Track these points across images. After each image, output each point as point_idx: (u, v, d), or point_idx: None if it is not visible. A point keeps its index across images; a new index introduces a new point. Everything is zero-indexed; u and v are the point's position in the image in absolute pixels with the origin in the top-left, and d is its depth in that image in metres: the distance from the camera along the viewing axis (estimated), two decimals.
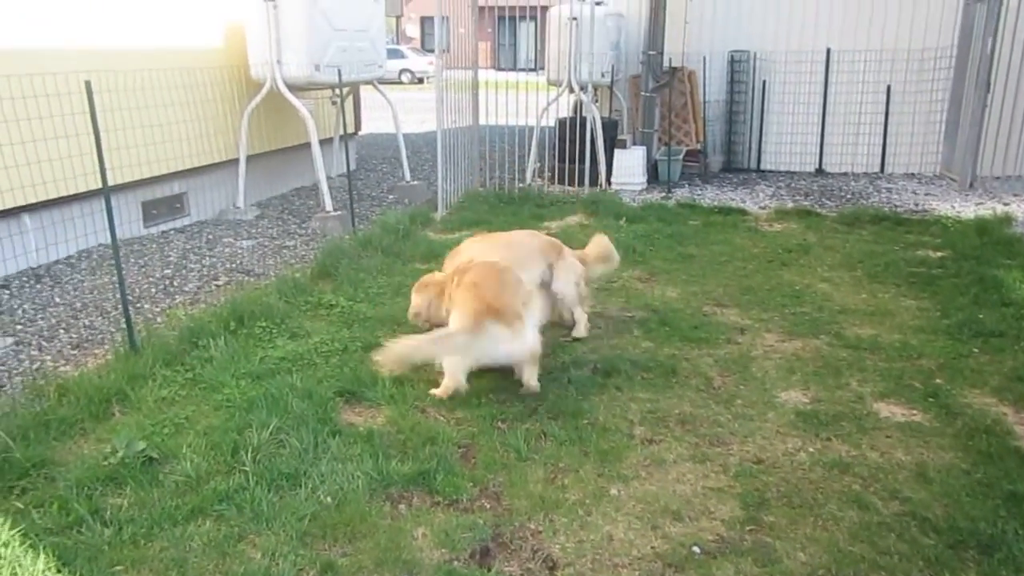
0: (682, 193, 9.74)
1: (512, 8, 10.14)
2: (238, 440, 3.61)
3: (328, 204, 8.21)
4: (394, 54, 32.36)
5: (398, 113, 10.08)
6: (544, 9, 10.46)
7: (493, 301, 4.01)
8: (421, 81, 34.90)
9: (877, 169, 11.09)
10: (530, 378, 4.18)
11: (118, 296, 5.17)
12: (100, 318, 5.44)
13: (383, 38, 9.38)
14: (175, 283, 6.24)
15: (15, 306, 5.62)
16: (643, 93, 10.37)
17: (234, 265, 6.73)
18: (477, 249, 4.80)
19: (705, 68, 10.99)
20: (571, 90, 9.55)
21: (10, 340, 5.04)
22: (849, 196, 9.58)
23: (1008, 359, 4.62)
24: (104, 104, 5.67)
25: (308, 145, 8.46)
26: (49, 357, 4.80)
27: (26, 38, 6.17)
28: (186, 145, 7.86)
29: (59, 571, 2.79)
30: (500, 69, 21.57)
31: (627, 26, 10.81)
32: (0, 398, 4.15)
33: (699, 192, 9.87)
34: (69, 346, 4.97)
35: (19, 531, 2.95)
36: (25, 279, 6.17)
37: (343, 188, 9.08)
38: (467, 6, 9.43)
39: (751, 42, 11.05)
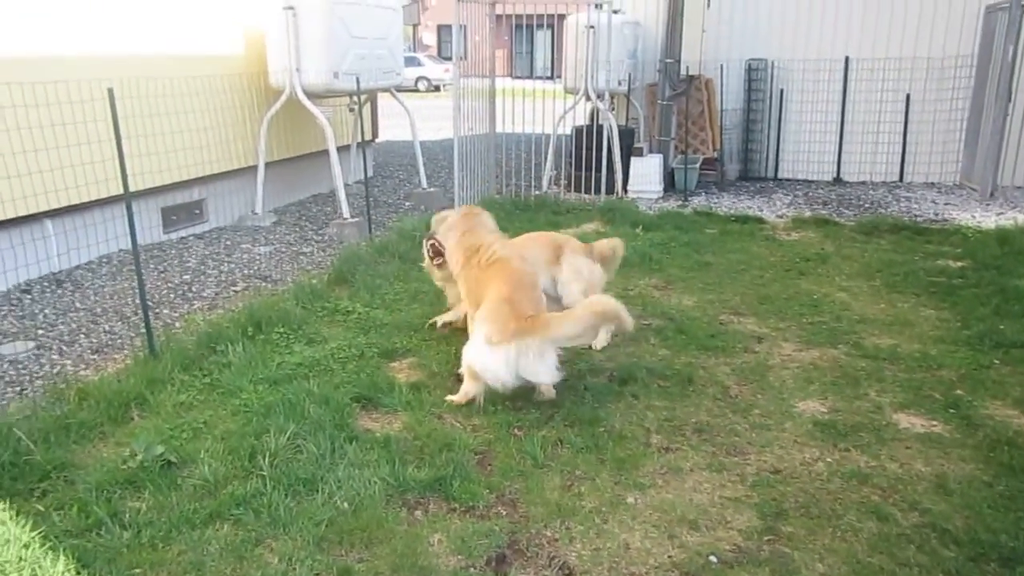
0: (699, 201, 9.72)
1: (529, 16, 10.18)
2: (255, 445, 3.63)
3: (345, 211, 8.25)
4: (411, 62, 32.54)
5: (415, 120, 10.12)
6: (561, 17, 10.49)
7: (524, 316, 3.91)
8: (438, 89, 35.06)
9: (896, 178, 11.02)
10: (548, 388, 4.18)
11: (138, 301, 5.22)
12: (120, 323, 5.48)
13: (401, 46, 9.43)
14: (194, 288, 6.28)
15: (37, 311, 5.68)
16: (660, 101, 10.36)
17: (252, 271, 6.77)
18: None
19: (722, 76, 10.97)
20: (588, 98, 9.56)
21: (31, 344, 5.09)
22: (868, 205, 9.52)
23: None
24: (125, 111, 5.73)
25: (326, 152, 8.50)
26: (69, 361, 4.85)
27: (50, 46, 6.25)
28: (205, 152, 7.93)
29: (78, 573, 2.81)
30: (516, 77, 21.64)
31: (644, 34, 10.82)
32: (21, 401, 4.19)
33: (716, 200, 9.85)
34: (89, 350, 5.02)
35: (39, 533, 2.98)
36: (47, 284, 6.23)
37: (360, 195, 9.13)
38: (484, 14, 9.47)
39: (769, 50, 11.03)
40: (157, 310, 5.72)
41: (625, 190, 9.94)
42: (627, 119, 11.12)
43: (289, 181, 9.57)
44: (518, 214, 8.75)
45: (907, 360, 4.75)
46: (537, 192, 9.80)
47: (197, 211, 8.17)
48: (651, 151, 10.37)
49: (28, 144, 5.97)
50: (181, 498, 3.27)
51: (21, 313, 5.63)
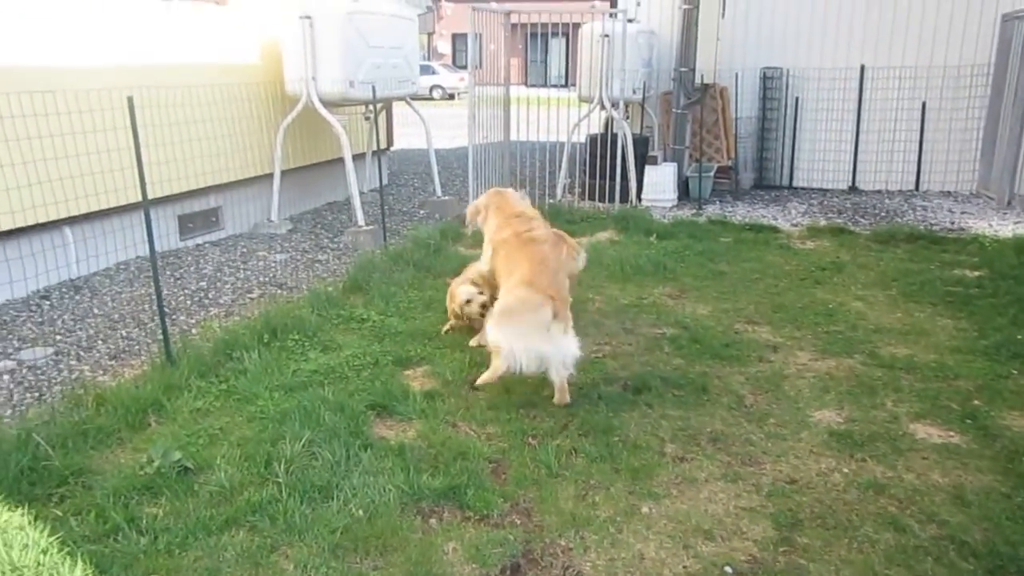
0: (713, 210, 9.70)
1: (544, 25, 10.21)
2: (271, 452, 3.65)
3: (360, 218, 8.29)
4: (425, 70, 32.72)
5: (430, 129, 10.16)
6: (576, 26, 10.51)
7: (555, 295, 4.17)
8: (452, 97, 35.18)
9: (912, 187, 10.96)
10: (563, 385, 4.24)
11: (155, 308, 5.27)
12: (137, 329, 5.53)
13: (417, 55, 9.48)
14: (210, 295, 6.33)
15: (55, 317, 5.74)
16: (674, 110, 10.36)
17: (267, 278, 6.81)
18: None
19: (737, 85, 10.96)
20: (602, 107, 9.57)
21: (50, 350, 5.14)
22: (883, 214, 9.48)
23: None
24: (144, 119, 5.79)
25: (341, 160, 8.55)
26: (87, 367, 4.89)
27: (70, 56, 6.33)
28: (222, 159, 7.99)
29: None
30: (531, 85, 21.69)
31: (659, 43, 10.83)
32: (40, 407, 4.23)
33: (730, 209, 9.82)
34: (107, 356, 5.06)
35: (57, 538, 3.01)
36: (65, 290, 6.30)
37: (375, 203, 9.18)
38: (499, 23, 9.51)
39: (784, 59, 11.01)
40: (174, 317, 5.77)
41: (639, 198, 9.94)
42: (641, 127, 11.12)
43: (304, 189, 9.63)
44: None
45: (924, 370, 4.72)
46: (551, 200, 9.81)
47: (213, 218, 8.24)
48: (665, 159, 10.37)
49: (49, 152, 6.05)
50: (197, 504, 3.29)
51: (40, 319, 5.68)
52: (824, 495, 3.43)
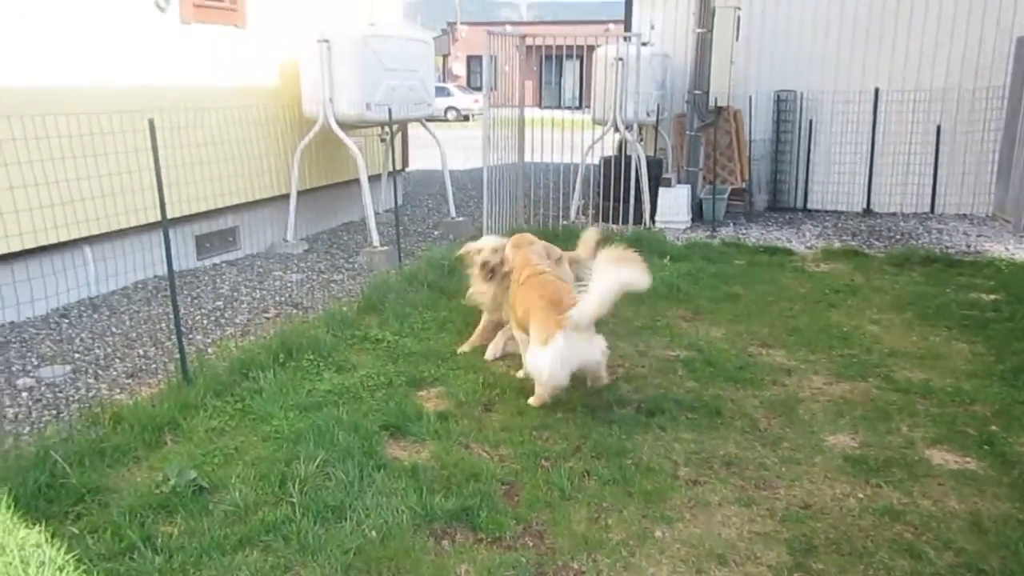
0: (727, 232, 9.70)
1: (559, 47, 10.30)
2: (286, 471, 3.67)
3: (375, 239, 8.35)
4: (440, 92, 32.94)
5: (445, 150, 10.24)
6: (590, 49, 10.60)
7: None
8: (467, 119, 35.42)
9: (927, 209, 10.93)
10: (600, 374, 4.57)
11: (171, 327, 5.32)
12: (154, 348, 5.58)
13: (432, 77, 9.57)
14: (226, 315, 6.38)
15: (73, 334, 5.80)
16: (688, 132, 10.40)
17: (283, 298, 6.86)
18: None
19: (751, 107, 10.99)
20: (616, 129, 9.62)
21: (68, 368, 5.19)
22: (898, 237, 9.45)
23: None
24: (164, 140, 5.87)
25: (356, 181, 8.63)
26: (104, 385, 4.94)
27: (92, 77, 6.45)
28: (239, 180, 8.08)
29: None
30: (545, 107, 21.81)
31: (673, 66, 10.89)
32: (58, 424, 4.27)
33: (744, 231, 9.82)
34: (124, 375, 5.11)
35: (74, 556, 3.03)
36: (83, 308, 6.37)
37: (390, 223, 9.25)
38: (514, 46, 9.60)
39: (798, 82, 11.05)
40: (190, 336, 5.82)
41: (653, 220, 9.96)
42: (655, 149, 11.16)
43: (320, 209, 9.71)
44: None
45: (939, 394, 4.70)
46: (565, 222, 9.85)
47: (230, 238, 8.32)
48: (679, 181, 10.40)
49: (72, 173, 6.14)
50: (212, 523, 3.31)
51: (59, 337, 5.75)
52: (839, 520, 3.40)
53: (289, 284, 7.34)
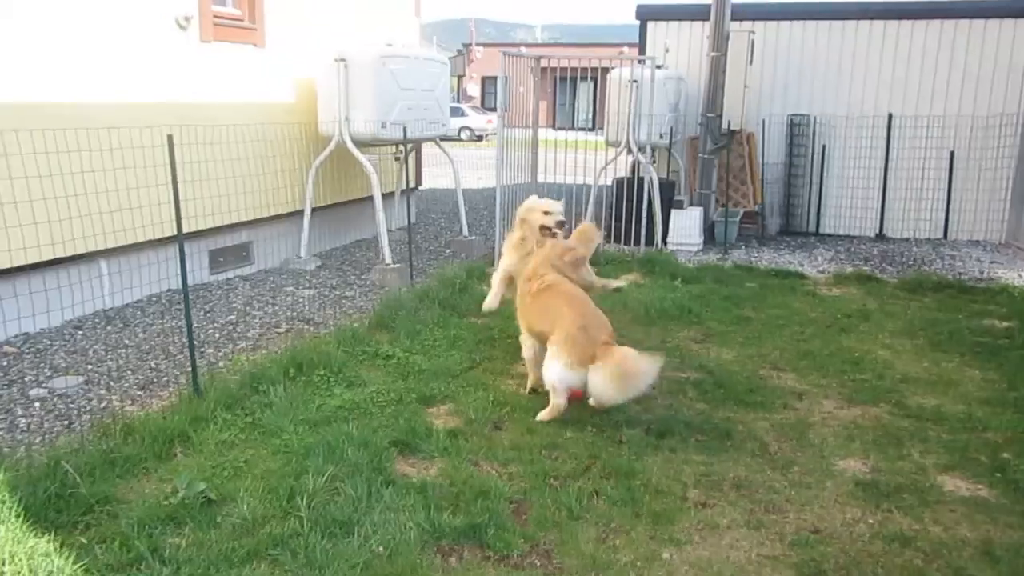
0: (739, 255, 9.70)
1: (573, 69, 10.37)
2: (294, 486, 3.67)
3: (388, 256, 8.39)
4: (454, 112, 33.15)
5: (458, 169, 10.30)
6: (604, 71, 10.67)
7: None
8: (480, 139, 35.60)
9: (940, 235, 10.90)
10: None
11: (184, 340, 5.35)
12: (166, 361, 5.61)
13: (447, 98, 9.65)
14: (238, 329, 6.42)
15: (87, 346, 5.85)
16: (701, 155, 10.43)
17: (295, 313, 6.89)
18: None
19: (764, 131, 11.03)
20: (629, 150, 9.66)
21: (81, 379, 5.23)
22: (911, 262, 9.42)
23: None
24: (181, 156, 5.93)
25: (370, 199, 8.69)
26: (116, 397, 4.97)
27: (112, 93, 6.54)
28: (255, 196, 8.14)
29: None
30: (558, 128, 21.94)
31: (686, 89, 10.95)
32: (69, 435, 4.30)
33: (756, 254, 9.82)
34: (136, 387, 5.14)
35: (82, 566, 3.05)
36: (98, 320, 6.42)
37: (403, 241, 9.29)
38: (529, 67, 9.68)
39: (811, 106, 11.08)
40: (202, 349, 5.85)
41: (665, 242, 9.97)
42: (668, 172, 11.20)
43: (333, 226, 9.78)
44: None
45: (951, 421, 4.67)
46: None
47: (244, 253, 8.38)
48: (691, 204, 10.41)
49: (91, 187, 6.20)
50: (220, 536, 3.31)
51: (72, 348, 5.79)
52: (849, 546, 3.38)
53: (301, 300, 7.38)
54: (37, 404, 4.80)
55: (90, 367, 5.46)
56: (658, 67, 9.68)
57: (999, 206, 10.63)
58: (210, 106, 7.52)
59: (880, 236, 11.05)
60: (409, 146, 9.32)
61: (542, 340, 4.71)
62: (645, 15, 11.74)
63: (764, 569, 3.21)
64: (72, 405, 4.81)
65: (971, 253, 9.95)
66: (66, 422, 4.56)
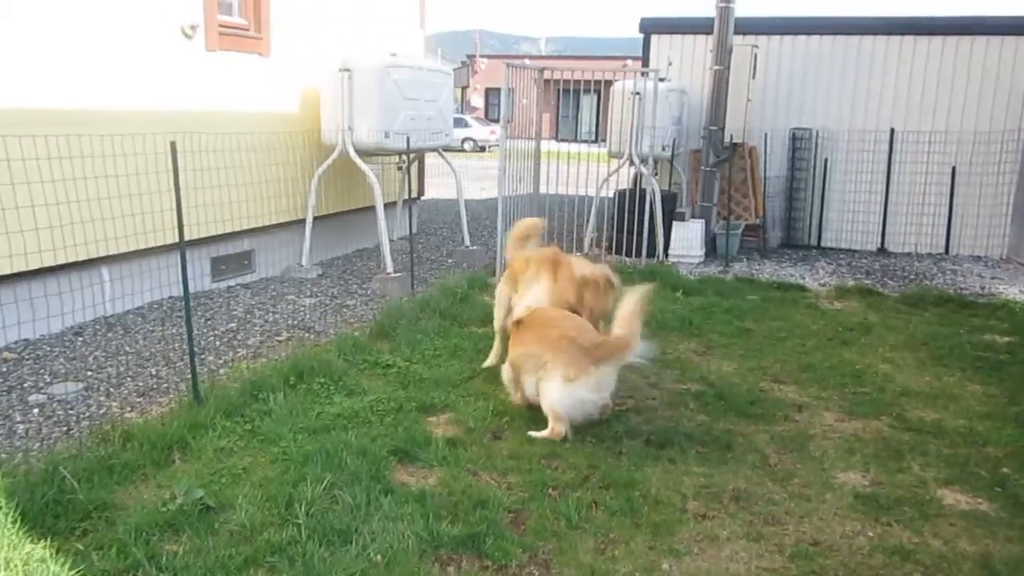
0: (740, 267, 9.70)
1: (576, 81, 10.40)
2: (293, 493, 3.66)
3: (389, 266, 8.39)
4: (458, 122, 33.22)
5: (461, 180, 10.32)
6: (607, 83, 10.70)
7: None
8: (483, 149, 35.67)
9: (942, 250, 10.91)
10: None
11: (185, 347, 5.35)
12: (166, 368, 5.61)
13: (451, 108, 9.68)
14: (239, 337, 6.42)
15: (87, 353, 5.85)
16: (703, 167, 10.45)
17: (296, 322, 6.90)
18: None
19: (766, 144, 11.05)
20: (632, 162, 9.68)
21: (80, 385, 5.23)
22: (912, 276, 9.42)
23: None
24: (184, 164, 5.96)
25: (372, 208, 8.71)
26: (116, 403, 4.96)
27: (117, 100, 6.57)
28: (257, 204, 8.16)
29: None
30: (561, 140, 21.99)
31: (689, 102, 10.98)
32: (68, 441, 4.29)
33: (757, 267, 9.82)
34: (135, 393, 5.13)
35: (78, 572, 3.03)
36: (98, 327, 6.42)
37: (404, 251, 9.30)
38: (533, 79, 9.71)
39: (814, 120, 11.12)
40: (203, 356, 5.85)
41: (666, 254, 9.97)
42: (670, 184, 11.22)
43: (335, 235, 9.79)
44: None
45: (952, 435, 4.65)
46: (578, 253, 9.87)
47: (245, 261, 8.39)
48: (693, 216, 10.43)
49: (93, 193, 6.22)
50: (218, 543, 3.30)
51: (72, 354, 5.79)
52: (848, 559, 3.36)
53: (302, 308, 7.38)
54: (36, 410, 4.80)
55: (90, 373, 5.46)
56: (661, 80, 9.71)
57: (1000, 222, 10.64)
58: (214, 114, 7.55)
59: (882, 250, 11.06)
60: (412, 156, 9.33)
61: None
62: (649, 28, 11.80)
63: None
64: (71, 411, 4.81)
65: (972, 268, 9.95)
66: (65, 428, 4.55)
